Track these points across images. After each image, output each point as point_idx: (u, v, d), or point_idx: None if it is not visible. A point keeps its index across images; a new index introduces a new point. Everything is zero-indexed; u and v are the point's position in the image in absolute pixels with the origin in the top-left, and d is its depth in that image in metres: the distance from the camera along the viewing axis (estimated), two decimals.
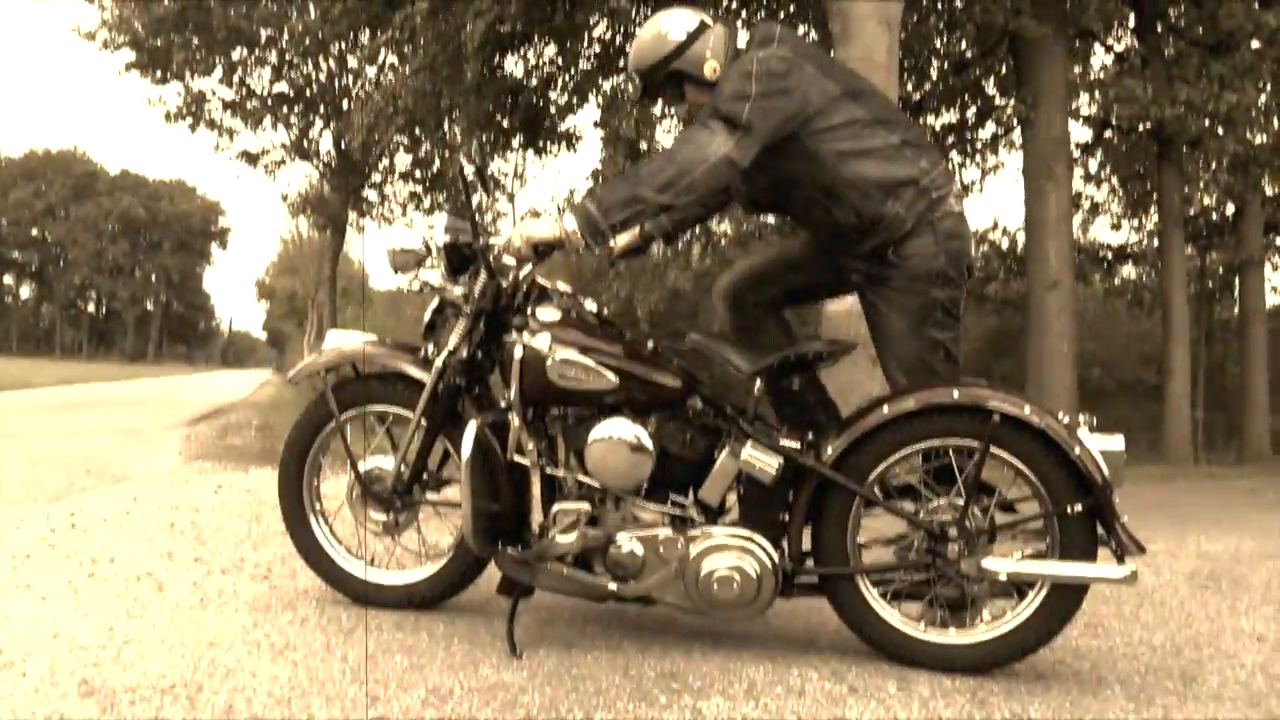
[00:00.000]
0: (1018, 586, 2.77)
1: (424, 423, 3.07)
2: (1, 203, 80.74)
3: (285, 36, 19.08)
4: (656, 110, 10.34)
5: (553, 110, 12.21)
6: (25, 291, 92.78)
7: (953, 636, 2.80)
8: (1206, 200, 15.79)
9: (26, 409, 13.46)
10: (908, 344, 2.97)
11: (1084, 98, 13.38)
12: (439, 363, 3.01)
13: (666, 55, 3.03)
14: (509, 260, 2.92)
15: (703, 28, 3.03)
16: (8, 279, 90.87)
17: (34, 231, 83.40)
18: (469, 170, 2.98)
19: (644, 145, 11.13)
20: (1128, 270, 17.85)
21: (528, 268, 2.96)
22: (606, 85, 11.47)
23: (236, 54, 19.95)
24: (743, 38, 3.06)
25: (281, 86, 21.02)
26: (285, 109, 21.31)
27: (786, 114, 2.84)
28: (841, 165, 2.90)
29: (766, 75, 2.82)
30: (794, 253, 3.33)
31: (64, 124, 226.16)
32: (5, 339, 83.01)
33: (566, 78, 11.94)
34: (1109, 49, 14.51)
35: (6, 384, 19.93)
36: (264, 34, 19.28)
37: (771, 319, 3.32)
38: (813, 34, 11.20)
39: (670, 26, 3.04)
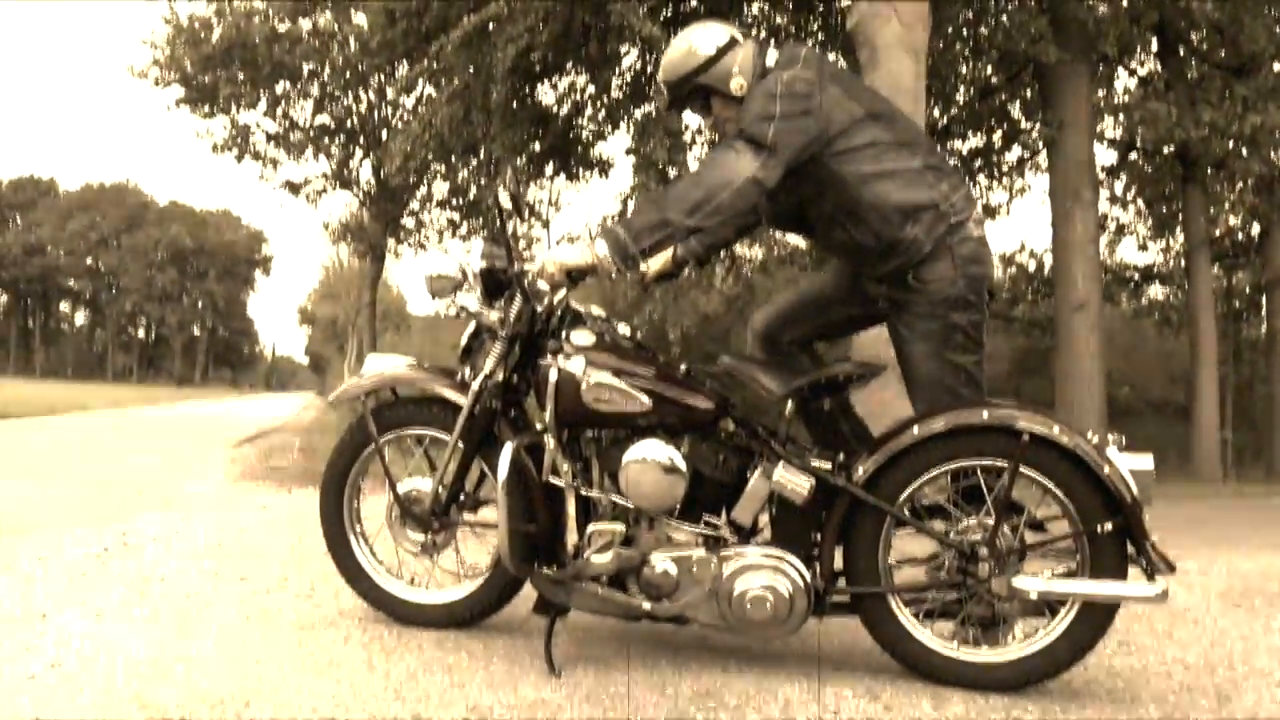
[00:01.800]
0: (1049, 605, 2.78)
1: (461, 445, 3.12)
2: (59, 234, 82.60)
3: (327, 70, 19.39)
4: (687, 137, 10.42)
5: (585, 137, 12.32)
6: (80, 318, 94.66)
7: (985, 655, 2.82)
8: (1232, 220, 15.65)
9: (82, 432, 13.70)
10: (929, 368, 3.00)
11: (1109, 121, 13.36)
12: (475, 386, 3.07)
13: (695, 68, 3.07)
14: (543, 285, 2.98)
15: (733, 43, 3.08)
16: (64, 306, 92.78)
17: (88, 261, 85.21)
18: (504, 198, 3.04)
19: (673, 171, 11.22)
20: (1155, 290, 17.71)
21: (561, 292, 3.03)
22: (638, 113, 11.56)
23: (280, 88, 20.32)
24: (772, 56, 3.08)
25: (323, 118, 21.35)
26: (326, 140, 21.65)
27: (809, 135, 2.89)
28: (863, 187, 2.94)
29: (790, 96, 2.87)
30: (824, 289, 3.36)
31: (117, 158, 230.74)
32: (61, 363, 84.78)
33: (598, 105, 12.05)
34: (1133, 73, 14.51)
35: (63, 408, 20.31)
36: (306, 68, 19.62)
37: (805, 355, 3.36)
38: (841, 62, 11.25)
39: (700, 40, 3.09)
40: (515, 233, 2.97)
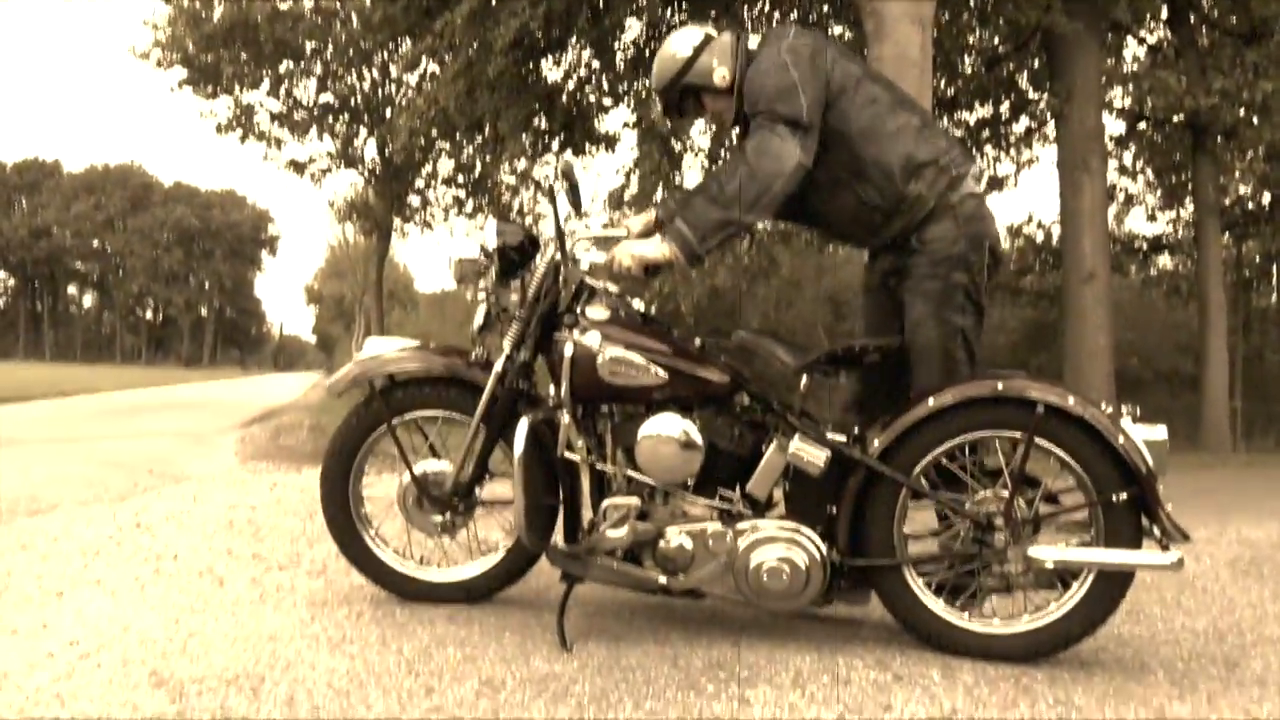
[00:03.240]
0: (1061, 578, 2.79)
1: (483, 427, 3.11)
2: (65, 216, 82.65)
3: (329, 48, 19.33)
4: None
5: (590, 111, 12.27)
6: (87, 300, 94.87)
7: (997, 626, 2.82)
8: (1242, 189, 15.50)
9: (92, 413, 13.75)
10: (928, 330, 2.98)
11: (1117, 90, 13.23)
12: (498, 367, 3.06)
13: (677, 72, 3.15)
14: (606, 284, 3.01)
15: (707, 40, 3.15)
16: (71, 289, 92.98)
17: (95, 243, 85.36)
18: (561, 187, 3.05)
19: (676, 144, 11.18)
20: (1164, 260, 17.56)
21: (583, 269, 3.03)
22: (640, 86, 11.51)
23: (283, 67, 20.24)
24: (754, 40, 3.14)
25: (327, 97, 21.28)
26: (331, 119, 21.59)
27: (822, 97, 2.93)
28: (866, 144, 2.96)
29: (801, 62, 2.92)
30: (873, 322, 3.29)
31: (122, 139, 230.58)
32: (70, 346, 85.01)
33: (602, 79, 12.00)
34: (1141, 41, 14.34)
35: (73, 389, 20.39)
36: (309, 46, 19.55)
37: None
38: (846, 34, 11.18)
39: (677, 46, 3.18)
40: (558, 217, 2.93)
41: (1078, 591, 2.76)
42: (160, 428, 11.40)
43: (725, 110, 3.15)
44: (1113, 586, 2.75)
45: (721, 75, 3.10)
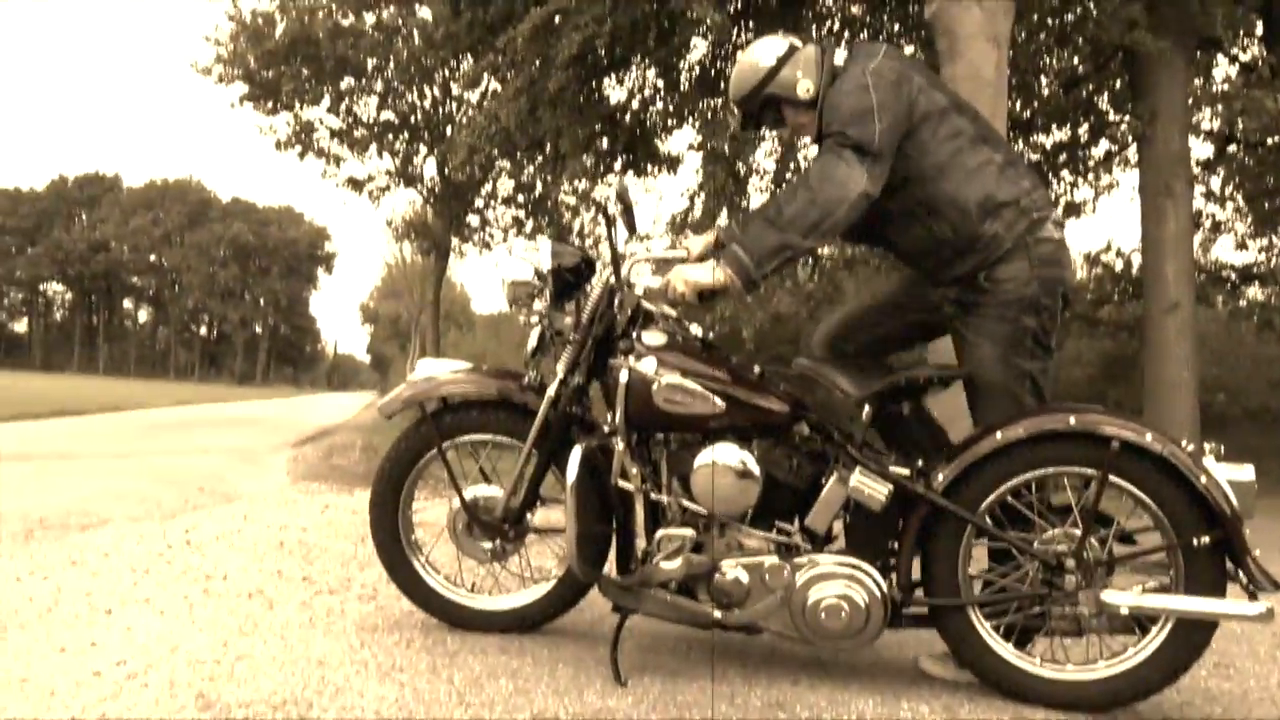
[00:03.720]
0: (1139, 622, 2.66)
1: (535, 452, 3.06)
2: (123, 230, 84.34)
3: (390, 65, 19.52)
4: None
5: (653, 131, 12.23)
6: (143, 315, 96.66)
7: (1070, 673, 2.71)
8: None
9: (144, 428, 13.93)
10: (994, 373, 2.89)
11: (1205, 111, 12.86)
12: (552, 391, 3.01)
13: (760, 82, 3.06)
14: (663, 308, 2.95)
15: (791, 51, 3.06)
16: (127, 303, 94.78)
17: (151, 257, 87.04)
18: (617, 209, 3.00)
19: (740, 167, 11.07)
20: (1254, 291, 17.03)
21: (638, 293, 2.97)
22: (705, 107, 11.45)
23: (344, 84, 20.47)
24: (840, 55, 3.04)
25: (387, 114, 21.47)
26: (390, 136, 21.76)
27: (900, 126, 2.84)
28: (943, 180, 2.87)
29: (883, 86, 2.82)
30: (889, 298, 3.29)
31: (181, 154, 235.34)
32: (124, 361, 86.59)
33: (667, 100, 11.95)
34: (1234, 60, 13.91)
35: (126, 404, 20.70)
36: (370, 63, 19.77)
37: (877, 363, 3.26)
38: (919, 53, 11.04)
39: (760, 54, 3.09)
40: (614, 240, 2.88)
41: (1156, 637, 2.64)
42: (212, 444, 11.50)
43: (808, 124, 3.05)
44: (1195, 634, 2.61)
45: (806, 88, 3.01)
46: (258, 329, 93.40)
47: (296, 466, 9.35)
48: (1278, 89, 10.93)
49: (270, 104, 20.40)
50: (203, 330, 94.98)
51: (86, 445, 10.25)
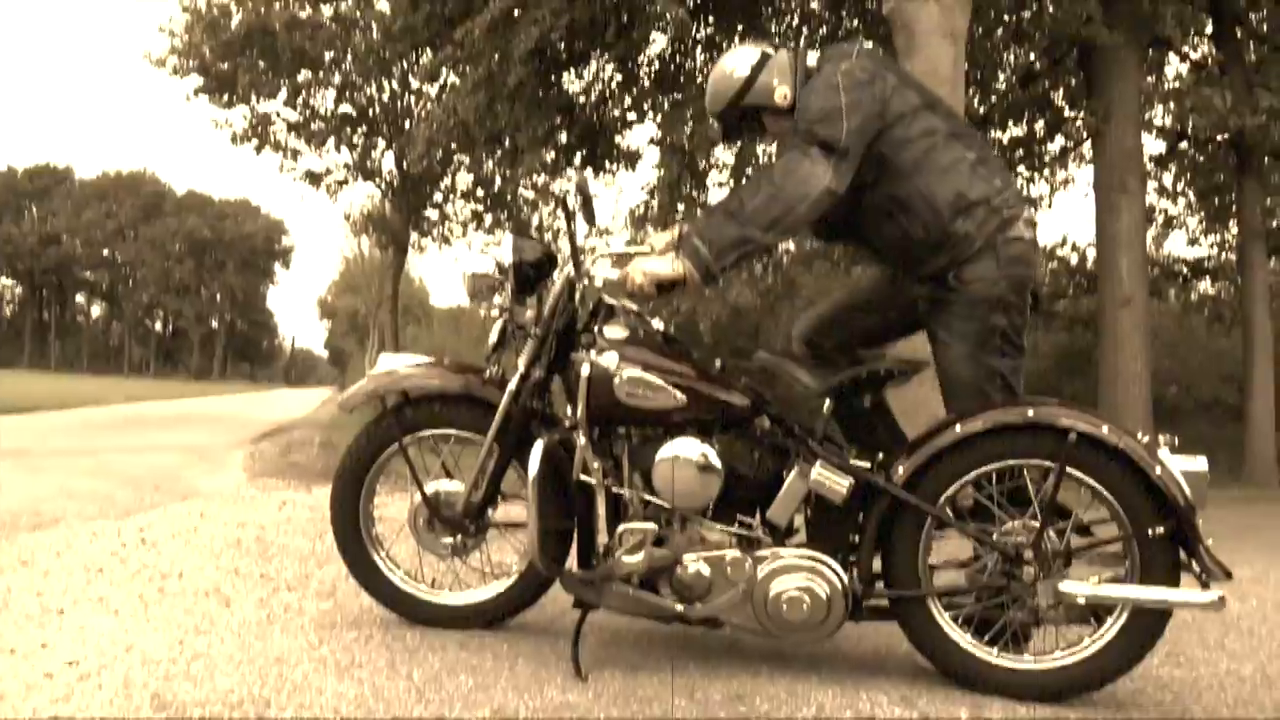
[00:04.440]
0: (1095, 612, 2.69)
1: (497, 446, 3.04)
2: (75, 223, 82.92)
3: (349, 58, 19.36)
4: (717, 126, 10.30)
5: (611, 127, 12.21)
6: (96, 310, 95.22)
7: (1028, 662, 2.73)
8: None
9: (97, 425, 13.73)
10: (964, 370, 2.91)
11: (1158, 108, 13.04)
12: (513, 385, 3.00)
13: (736, 93, 3.07)
14: (625, 302, 2.93)
15: (764, 58, 3.07)
16: (79, 298, 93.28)
17: (105, 252, 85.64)
18: (575, 201, 2.98)
19: (701, 163, 11.09)
20: (1205, 286, 17.29)
21: (593, 285, 2.96)
22: (665, 101, 11.44)
23: (301, 76, 20.29)
24: (813, 57, 3.06)
25: (345, 108, 21.32)
26: (349, 130, 21.61)
27: (871, 125, 2.84)
28: (916, 177, 2.88)
29: (853, 86, 2.83)
30: (863, 296, 3.31)
31: (135, 147, 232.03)
32: (77, 356, 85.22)
33: (622, 95, 11.94)
34: (1184, 57, 14.08)
35: (78, 401, 20.38)
36: (328, 56, 19.59)
37: (845, 357, 3.28)
38: (877, 50, 11.08)
39: (734, 65, 3.10)
40: (574, 233, 2.88)
41: (1112, 627, 2.67)
42: (167, 442, 11.36)
43: (788, 130, 3.02)
44: (1150, 623, 2.65)
45: (783, 94, 3.02)
46: (214, 324, 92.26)
47: (254, 463, 9.25)
48: (1226, 87, 11.12)
49: (226, 96, 20.21)
50: (158, 326, 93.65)
51: (37, 443, 10.08)
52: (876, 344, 3.40)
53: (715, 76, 3.15)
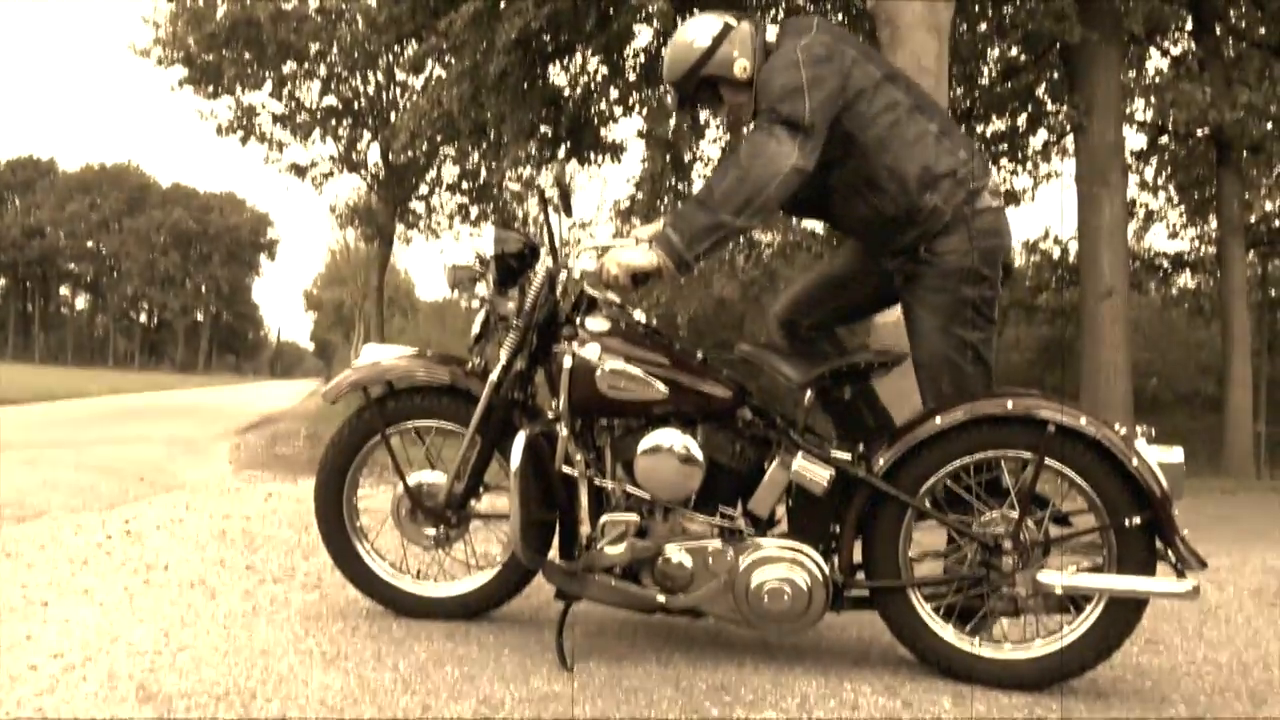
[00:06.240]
0: (1074, 601, 2.72)
1: (479, 437, 3.06)
2: (59, 215, 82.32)
3: (334, 49, 19.29)
4: (701, 118, 10.32)
5: (597, 120, 12.20)
6: (80, 303, 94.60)
7: (1008, 651, 2.76)
8: (1269, 206, 15.35)
9: (82, 418, 13.67)
10: (936, 343, 2.92)
11: (1139, 103, 13.09)
12: (494, 376, 3.01)
13: (695, 62, 3.01)
14: (605, 293, 2.94)
15: (726, 29, 3.01)
16: (64, 290, 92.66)
17: (89, 244, 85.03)
18: (554, 191, 3.00)
19: (687, 155, 11.09)
20: (1185, 279, 17.40)
21: (574, 277, 2.97)
22: (651, 94, 11.43)
23: (286, 68, 20.21)
24: (772, 31, 3.03)
25: (330, 100, 21.26)
26: (334, 122, 21.55)
27: (834, 101, 2.83)
28: (882, 153, 2.87)
29: (813, 62, 2.81)
30: (838, 271, 3.30)
31: (119, 139, 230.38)
32: (61, 349, 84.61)
33: (611, 88, 11.92)
34: (1165, 53, 14.14)
35: (62, 393, 20.29)
36: (313, 48, 19.52)
37: (826, 340, 3.30)
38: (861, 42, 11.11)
39: (695, 34, 3.04)
40: (555, 225, 2.88)
41: (1090, 616, 2.70)
42: (153, 434, 11.33)
43: (745, 104, 3.01)
44: (1127, 612, 2.68)
45: (742, 66, 2.97)
46: (199, 317, 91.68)
47: (239, 455, 9.25)
48: (1206, 82, 11.18)
49: (211, 88, 20.11)
50: (142, 318, 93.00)
51: (21, 435, 10.05)
52: (854, 319, 3.41)
53: (675, 44, 3.09)
